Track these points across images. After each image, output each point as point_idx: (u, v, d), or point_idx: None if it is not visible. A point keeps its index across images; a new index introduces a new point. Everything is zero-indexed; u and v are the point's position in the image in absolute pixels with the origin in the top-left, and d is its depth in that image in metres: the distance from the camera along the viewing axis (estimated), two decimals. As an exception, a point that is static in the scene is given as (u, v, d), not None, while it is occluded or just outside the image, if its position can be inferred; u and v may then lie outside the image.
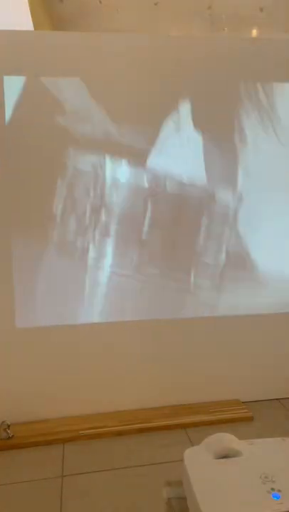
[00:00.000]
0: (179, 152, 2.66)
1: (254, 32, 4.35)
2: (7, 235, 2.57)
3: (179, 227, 2.73)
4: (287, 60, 2.71)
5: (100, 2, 3.91)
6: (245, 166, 2.72)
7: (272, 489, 1.12)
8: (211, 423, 2.65)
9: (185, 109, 2.63)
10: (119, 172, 2.63)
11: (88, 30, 4.00)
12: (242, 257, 2.81)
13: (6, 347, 2.63)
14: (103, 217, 2.65)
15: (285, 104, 2.73)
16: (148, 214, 2.68)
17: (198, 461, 1.26)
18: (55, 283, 2.67)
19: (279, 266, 2.88)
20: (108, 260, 2.70)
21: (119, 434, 2.58)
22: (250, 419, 2.71)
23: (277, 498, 1.09)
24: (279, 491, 1.11)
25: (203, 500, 1.10)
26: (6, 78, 2.47)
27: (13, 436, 2.53)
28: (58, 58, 2.50)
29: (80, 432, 2.57)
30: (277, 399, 2.95)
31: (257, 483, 1.14)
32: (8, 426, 2.55)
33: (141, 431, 2.60)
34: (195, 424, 2.64)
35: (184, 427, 2.64)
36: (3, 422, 2.55)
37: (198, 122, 2.64)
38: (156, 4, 3.92)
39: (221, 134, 2.68)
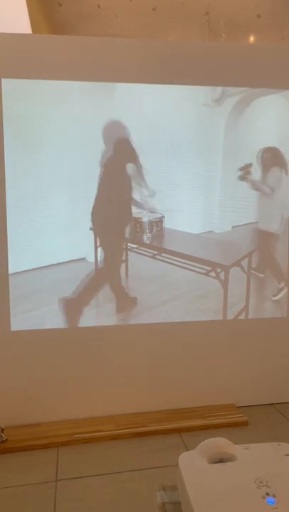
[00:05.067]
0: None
1: (251, 38, 4.38)
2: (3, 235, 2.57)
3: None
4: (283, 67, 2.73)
5: (99, 7, 3.92)
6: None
7: (267, 494, 1.11)
8: (206, 427, 2.64)
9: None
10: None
11: (86, 35, 4.02)
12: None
13: (0, 350, 2.62)
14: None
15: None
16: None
17: (193, 466, 1.25)
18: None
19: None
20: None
21: (114, 438, 2.57)
22: (245, 423, 2.71)
23: (272, 503, 1.09)
24: (274, 495, 1.11)
25: (197, 505, 1.09)
26: (3, 81, 2.48)
27: (7, 439, 2.51)
28: (56, 62, 2.51)
29: (75, 436, 2.56)
30: (272, 404, 2.96)
31: (252, 488, 1.14)
32: (2, 429, 2.53)
33: (136, 435, 2.59)
34: (190, 429, 2.63)
35: (178, 431, 2.63)
36: (-3, 425, 2.54)
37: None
38: (154, 10, 3.94)
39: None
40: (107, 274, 2.69)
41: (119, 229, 2.70)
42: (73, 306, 2.67)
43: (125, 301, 2.74)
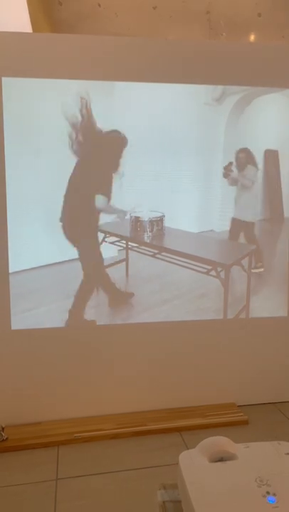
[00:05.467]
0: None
1: (252, 37, 4.37)
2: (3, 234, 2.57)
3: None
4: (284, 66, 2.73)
5: (99, 5, 3.92)
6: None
7: (268, 493, 1.11)
8: (207, 426, 2.64)
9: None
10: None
11: (87, 34, 4.01)
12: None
13: (0, 349, 2.62)
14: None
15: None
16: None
17: (194, 465, 1.25)
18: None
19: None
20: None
21: (115, 437, 2.58)
22: (246, 422, 2.71)
23: (273, 501, 1.09)
24: (274, 494, 1.11)
25: (198, 504, 1.09)
26: (4, 79, 2.48)
27: (7, 438, 2.51)
28: (56, 60, 2.51)
29: (75, 434, 2.56)
30: (272, 403, 2.96)
31: (252, 487, 1.14)
32: (3, 428, 2.53)
33: (136, 434, 2.59)
34: (190, 428, 2.63)
35: (179, 430, 2.63)
36: (-3, 424, 2.54)
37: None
38: (154, 8, 3.93)
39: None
40: (92, 276, 2.68)
41: (88, 227, 2.67)
42: (73, 315, 2.67)
43: (118, 296, 2.72)
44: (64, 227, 2.58)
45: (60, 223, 2.58)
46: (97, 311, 2.76)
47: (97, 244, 2.61)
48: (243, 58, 2.69)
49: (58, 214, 2.64)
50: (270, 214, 2.92)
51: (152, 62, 2.58)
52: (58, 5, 3.90)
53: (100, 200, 2.47)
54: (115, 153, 2.51)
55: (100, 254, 2.66)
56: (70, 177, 2.56)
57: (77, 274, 2.71)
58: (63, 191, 2.63)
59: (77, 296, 2.63)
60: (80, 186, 2.58)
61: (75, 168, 2.55)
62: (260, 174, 2.79)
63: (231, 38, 4.27)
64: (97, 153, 2.60)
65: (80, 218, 2.63)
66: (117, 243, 2.78)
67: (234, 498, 1.12)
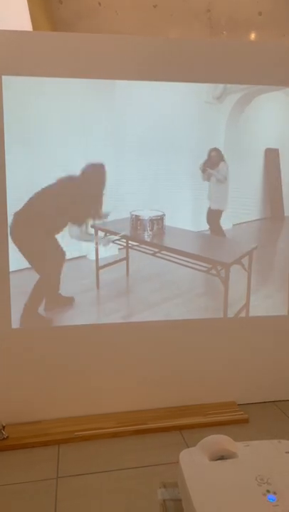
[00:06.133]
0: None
1: (252, 35, 4.37)
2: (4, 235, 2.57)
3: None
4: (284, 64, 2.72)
5: (99, 4, 3.92)
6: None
7: (268, 491, 1.12)
8: (207, 425, 2.65)
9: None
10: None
11: (87, 32, 4.01)
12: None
13: (1, 348, 2.62)
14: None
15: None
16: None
17: (194, 463, 1.25)
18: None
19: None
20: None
21: (115, 435, 2.58)
22: (246, 421, 2.71)
23: (273, 500, 1.09)
24: (274, 493, 1.11)
25: (198, 502, 1.09)
26: (4, 78, 2.47)
27: (7, 437, 2.52)
28: (56, 59, 2.51)
29: (76, 433, 2.56)
30: (272, 401, 2.96)
31: (252, 485, 1.14)
32: (3, 427, 2.54)
33: (136, 433, 2.59)
34: (191, 426, 2.63)
35: (179, 428, 2.64)
36: (-2, 422, 2.54)
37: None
38: (155, 7, 3.93)
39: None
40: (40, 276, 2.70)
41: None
42: (27, 309, 2.67)
43: (56, 300, 2.71)
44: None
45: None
46: (99, 309, 2.76)
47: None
48: (243, 57, 2.68)
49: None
50: (271, 213, 2.92)
51: (153, 60, 2.58)
52: (58, 3, 3.90)
53: (74, 231, 2.66)
54: (97, 188, 2.66)
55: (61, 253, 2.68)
56: (44, 189, 2.59)
57: (79, 273, 2.71)
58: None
59: (31, 294, 2.66)
60: (53, 204, 2.63)
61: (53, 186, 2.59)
62: (260, 173, 2.80)
63: (232, 37, 4.27)
64: (81, 191, 2.66)
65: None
66: (118, 242, 2.78)
67: (234, 496, 1.12)
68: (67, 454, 2.44)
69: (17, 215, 2.58)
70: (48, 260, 2.68)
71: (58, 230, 2.64)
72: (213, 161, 2.66)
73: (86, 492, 2.12)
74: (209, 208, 2.79)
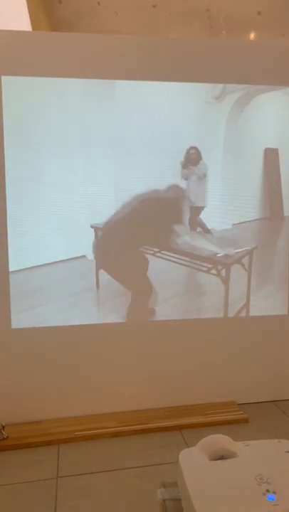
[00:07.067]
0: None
1: (252, 35, 4.37)
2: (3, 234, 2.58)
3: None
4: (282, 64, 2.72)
5: (99, 4, 3.92)
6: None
7: (268, 491, 1.12)
8: (207, 425, 2.65)
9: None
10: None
11: (87, 32, 4.01)
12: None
13: (1, 348, 2.62)
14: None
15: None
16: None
17: (194, 463, 1.25)
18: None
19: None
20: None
21: (115, 435, 2.58)
22: (246, 421, 2.72)
23: (273, 499, 1.09)
24: (274, 492, 1.11)
25: (198, 502, 1.10)
26: (3, 78, 2.47)
27: (7, 437, 2.52)
28: (56, 59, 2.51)
29: (76, 433, 2.56)
30: (272, 401, 2.96)
31: (252, 485, 1.14)
32: (3, 427, 2.54)
33: (137, 432, 2.60)
34: (191, 426, 2.63)
35: (179, 428, 2.64)
36: (-2, 422, 2.54)
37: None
38: (154, 6, 3.93)
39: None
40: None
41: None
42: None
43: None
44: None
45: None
46: (99, 309, 2.76)
47: None
48: (243, 56, 2.68)
49: (58, 214, 2.64)
50: (270, 212, 2.92)
51: (152, 60, 2.58)
52: (57, 3, 3.90)
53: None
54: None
55: None
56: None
57: (78, 273, 2.71)
58: (63, 190, 2.62)
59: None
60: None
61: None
62: (259, 173, 2.80)
63: (231, 36, 4.27)
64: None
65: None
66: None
67: (234, 496, 1.12)
68: (67, 453, 2.44)
69: (104, 235, 2.71)
70: (135, 273, 2.81)
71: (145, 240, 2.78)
72: (193, 158, 2.72)
73: (86, 492, 2.12)
74: (191, 206, 2.86)
